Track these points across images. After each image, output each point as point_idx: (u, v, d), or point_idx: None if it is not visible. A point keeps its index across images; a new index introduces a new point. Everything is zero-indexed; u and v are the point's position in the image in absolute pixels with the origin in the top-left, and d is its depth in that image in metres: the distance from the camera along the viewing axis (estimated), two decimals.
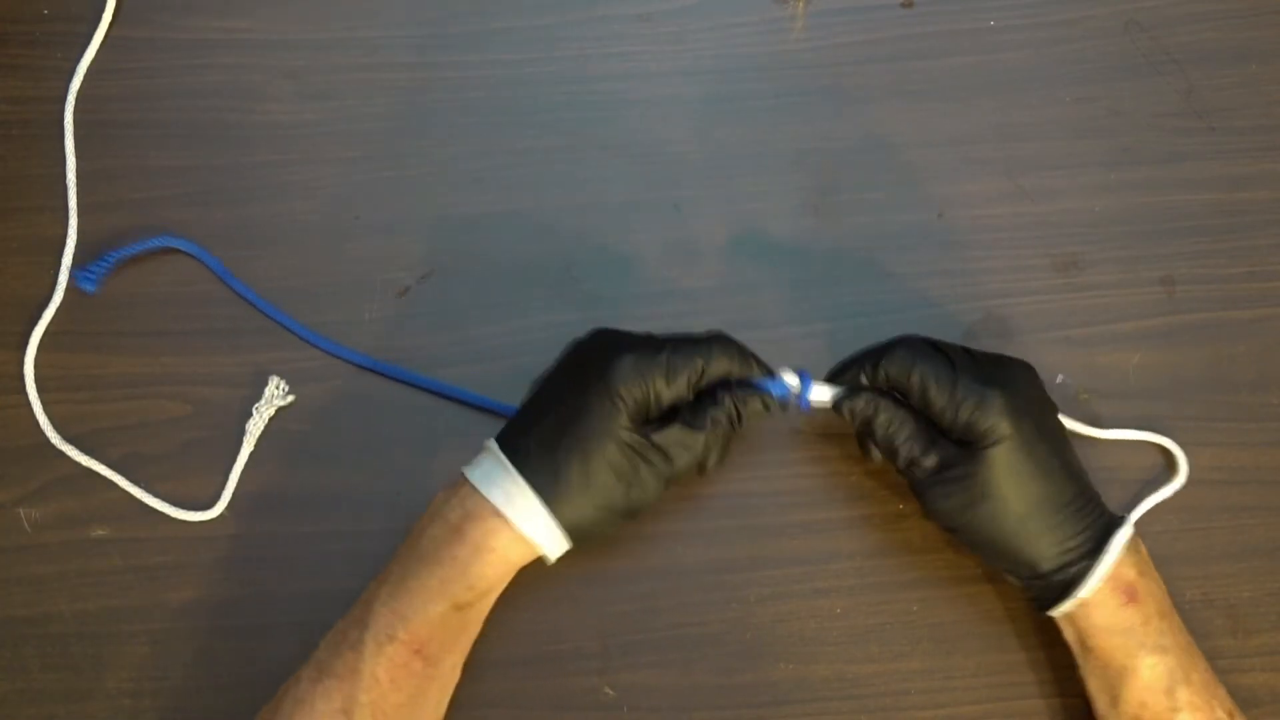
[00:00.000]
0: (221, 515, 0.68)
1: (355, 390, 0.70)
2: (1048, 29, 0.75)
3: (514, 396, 0.68)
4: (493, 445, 0.62)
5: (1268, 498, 0.69)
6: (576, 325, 0.70)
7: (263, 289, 0.71)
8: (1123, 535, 0.61)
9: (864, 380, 0.63)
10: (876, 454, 0.64)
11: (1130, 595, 0.61)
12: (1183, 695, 0.60)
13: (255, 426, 0.69)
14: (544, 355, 0.70)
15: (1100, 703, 0.62)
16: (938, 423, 0.62)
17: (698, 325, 0.71)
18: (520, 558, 0.62)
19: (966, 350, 0.63)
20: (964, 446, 0.61)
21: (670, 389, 0.62)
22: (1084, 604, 0.61)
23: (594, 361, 0.62)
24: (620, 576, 0.68)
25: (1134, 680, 0.60)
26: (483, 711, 0.66)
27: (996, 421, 0.60)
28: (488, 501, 0.60)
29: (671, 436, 0.62)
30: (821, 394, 0.64)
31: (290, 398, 0.70)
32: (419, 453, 0.69)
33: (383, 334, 0.71)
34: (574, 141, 0.73)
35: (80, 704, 0.66)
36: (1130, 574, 0.61)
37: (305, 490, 0.69)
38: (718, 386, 0.63)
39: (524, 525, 0.60)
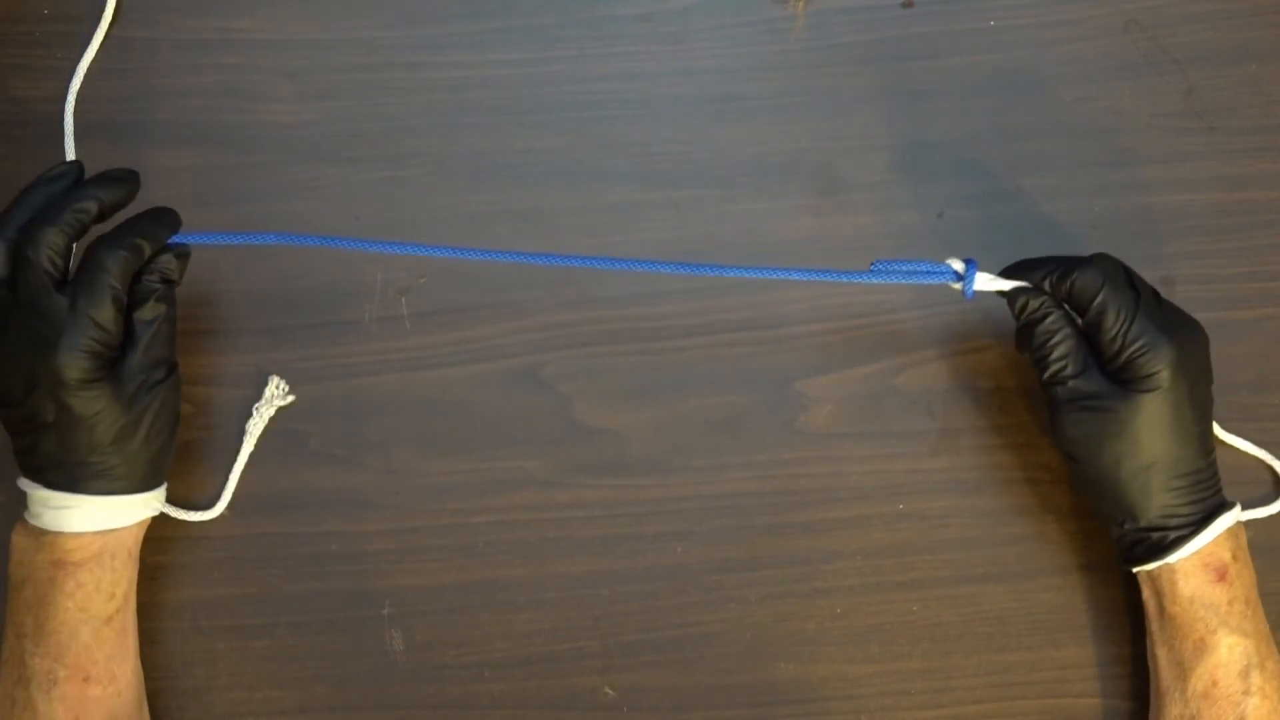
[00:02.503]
0: (221, 515, 0.68)
1: (355, 390, 0.70)
2: (1048, 29, 0.75)
3: (512, 395, 0.69)
4: (24, 483, 0.62)
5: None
6: (577, 325, 0.71)
7: (263, 289, 0.71)
8: (1228, 518, 0.62)
9: (1047, 284, 0.63)
10: (1028, 354, 0.65)
11: (1221, 575, 0.61)
12: (1255, 680, 0.61)
13: (255, 426, 0.69)
14: (544, 355, 0.70)
15: (1167, 674, 0.62)
16: (1101, 351, 0.62)
17: (696, 327, 0.71)
18: (133, 541, 0.63)
19: (1156, 293, 0.63)
20: (1115, 383, 0.62)
21: (112, 327, 0.60)
22: (1171, 570, 0.62)
23: (22, 354, 0.60)
24: (620, 576, 0.68)
25: (1211, 657, 0.61)
26: (483, 711, 0.67)
27: (1159, 370, 0.60)
28: (62, 533, 0.61)
29: (135, 365, 0.61)
30: (995, 284, 0.64)
31: (290, 398, 0.70)
32: (419, 453, 0.69)
33: (383, 334, 0.71)
34: (574, 141, 0.73)
35: None
36: (1225, 555, 0.62)
37: (305, 490, 0.69)
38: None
39: (105, 523, 0.61)
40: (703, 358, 0.71)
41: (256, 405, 0.69)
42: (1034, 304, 0.63)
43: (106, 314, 0.60)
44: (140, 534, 0.64)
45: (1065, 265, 0.63)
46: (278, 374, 0.70)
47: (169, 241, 0.64)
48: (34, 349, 0.59)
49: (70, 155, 0.72)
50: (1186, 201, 0.73)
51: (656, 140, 0.74)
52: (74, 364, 0.59)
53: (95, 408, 0.60)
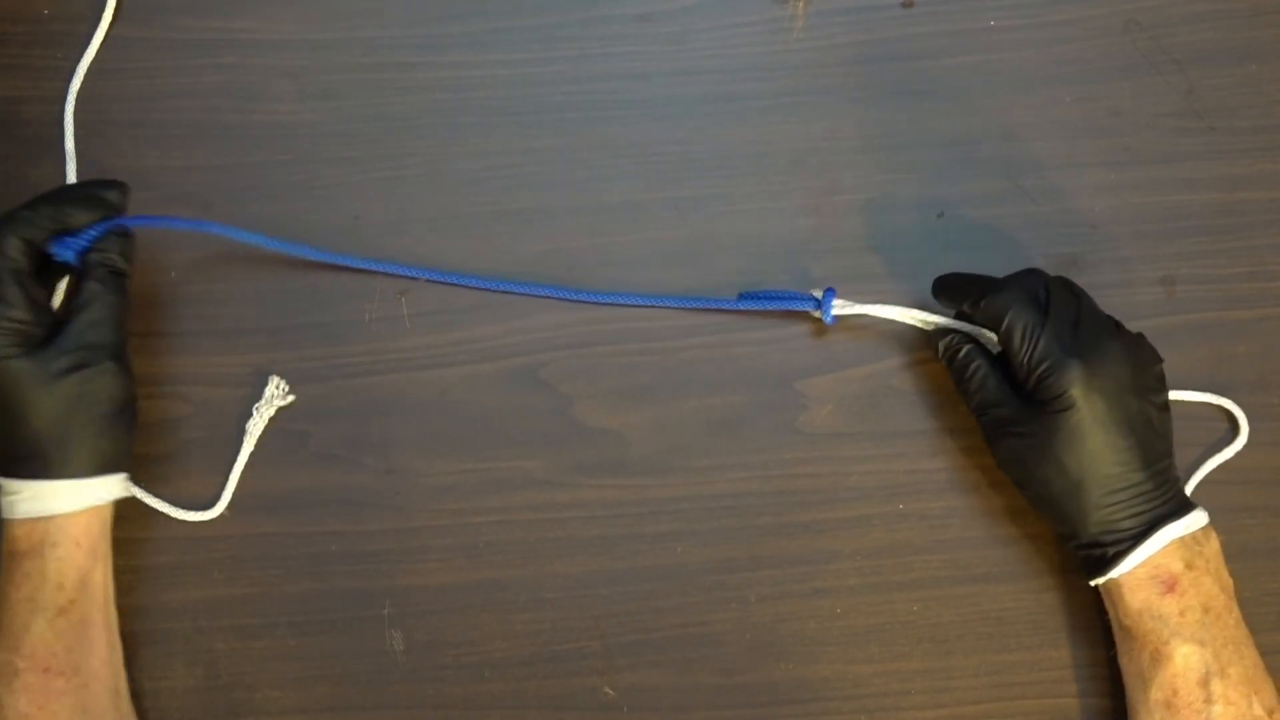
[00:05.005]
0: (221, 515, 0.68)
1: (355, 390, 0.70)
2: (1048, 29, 0.75)
3: (512, 395, 0.68)
4: None
5: (1267, 498, 0.69)
6: (577, 325, 0.71)
7: (263, 289, 0.71)
8: (1172, 529, 0.61)
9: (966, 309, 0.64)
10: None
11: (1169, 586, 0.61)
12: (1217, 688, 0.60)
13: (255, 426, 0.69)
14: (544, 355, 0.70)
15: (1131, 685, 0.63)
16: (1015, 373, 0.63)
17: (696, 327, 0.71)
18: (81, 531, 0.62)
19: (1077, 310, 0.62)
20: (1035, 405, 0.62)
21: (22, 308, 0.61)
22: (1118, 584, 0.62)
23: None
24: (620, 576, 0.68)
25: (1168, 667, 0.61)
26: (483, 711, 0.67)
27: (1067, 390, 0.60)
28: (11, 520, 0.62)
29: (60, 346, 0.61)
30: (855, 309, 0.67)
31: (290, 398, 0.70)
32: (419, 452, 0.69)
33: (383, 334, 0.71)
34: (574, 141, 0.73)
35: None
36: (1176, 566, 0.61)
37: (305, 490, 0.69)
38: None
39: (40, 510, 0.61)
40: (703, 358, 0.71)
41: (256, 405, 0.69)
42: (947, 340, 0.65)
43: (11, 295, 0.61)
44: (95, 523, 0.63)
45: (980, 288, 0.63)
46: (278, 374, 0.70)
47: (117, 221, 0.64)
48: None
49: (70, 155, 0.72)
50: (1186, 201, 0.73)
51: (656, 140, 0.74)
52: None
53: (7, 385, 0.61)
